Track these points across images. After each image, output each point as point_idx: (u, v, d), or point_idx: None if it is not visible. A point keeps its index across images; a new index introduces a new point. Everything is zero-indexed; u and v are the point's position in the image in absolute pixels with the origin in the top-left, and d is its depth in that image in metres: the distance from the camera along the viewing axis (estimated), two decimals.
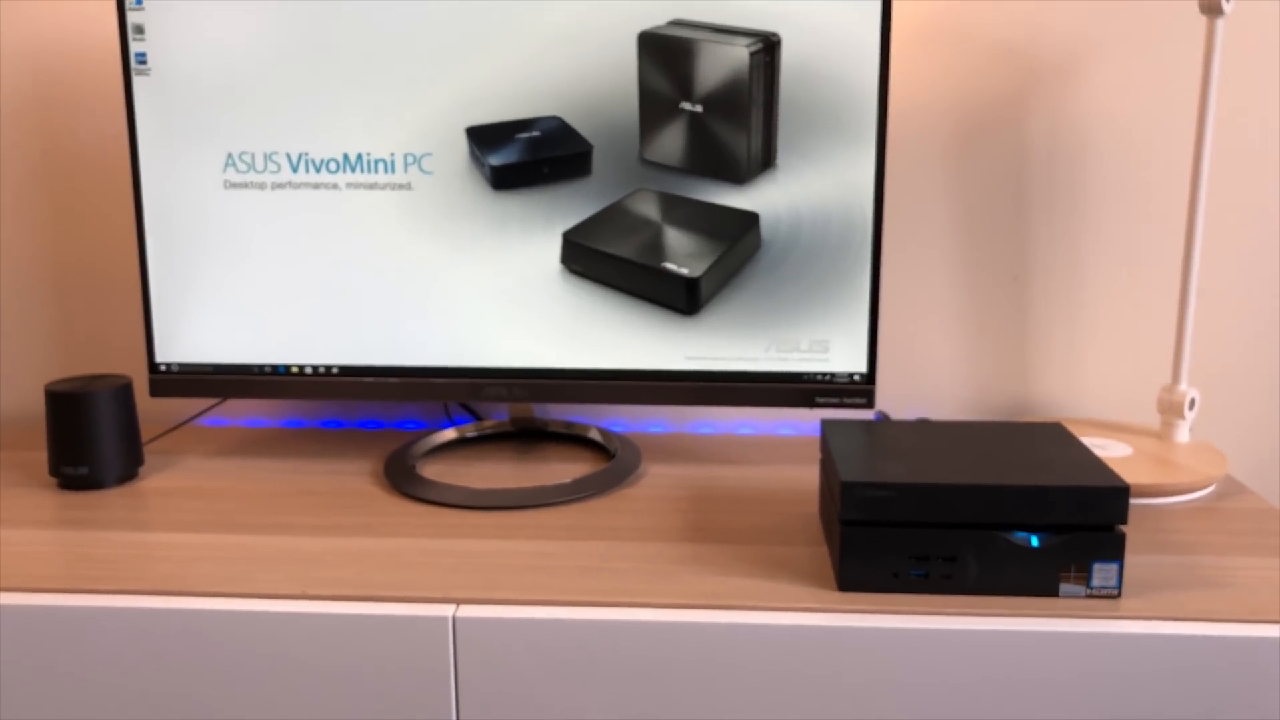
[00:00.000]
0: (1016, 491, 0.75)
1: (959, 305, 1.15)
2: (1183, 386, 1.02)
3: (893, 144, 1.11)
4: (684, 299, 0.98)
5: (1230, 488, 0.99)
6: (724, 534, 0.88)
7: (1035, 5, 1.07)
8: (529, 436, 1.13)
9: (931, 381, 1.16)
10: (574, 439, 1.13)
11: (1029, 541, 0.75)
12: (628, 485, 0.99)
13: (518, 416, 1.11)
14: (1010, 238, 1.13)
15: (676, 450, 1.10)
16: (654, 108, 0.96)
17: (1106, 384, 1.15)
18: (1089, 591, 0.76)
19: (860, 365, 0.98)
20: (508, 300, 0.99)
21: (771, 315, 0.98)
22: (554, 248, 0.98)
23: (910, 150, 1.11)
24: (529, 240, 0.98)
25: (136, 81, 0.97)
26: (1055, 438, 0.86)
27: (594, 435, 1.10)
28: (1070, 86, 1.09)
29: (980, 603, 0.75)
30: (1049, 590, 0.76)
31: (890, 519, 0.76)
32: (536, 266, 0.99)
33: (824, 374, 0.99)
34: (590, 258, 0.98)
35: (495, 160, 0.97)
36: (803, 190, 0.96)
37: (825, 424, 0.90)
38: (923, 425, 0.90)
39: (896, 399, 1.17)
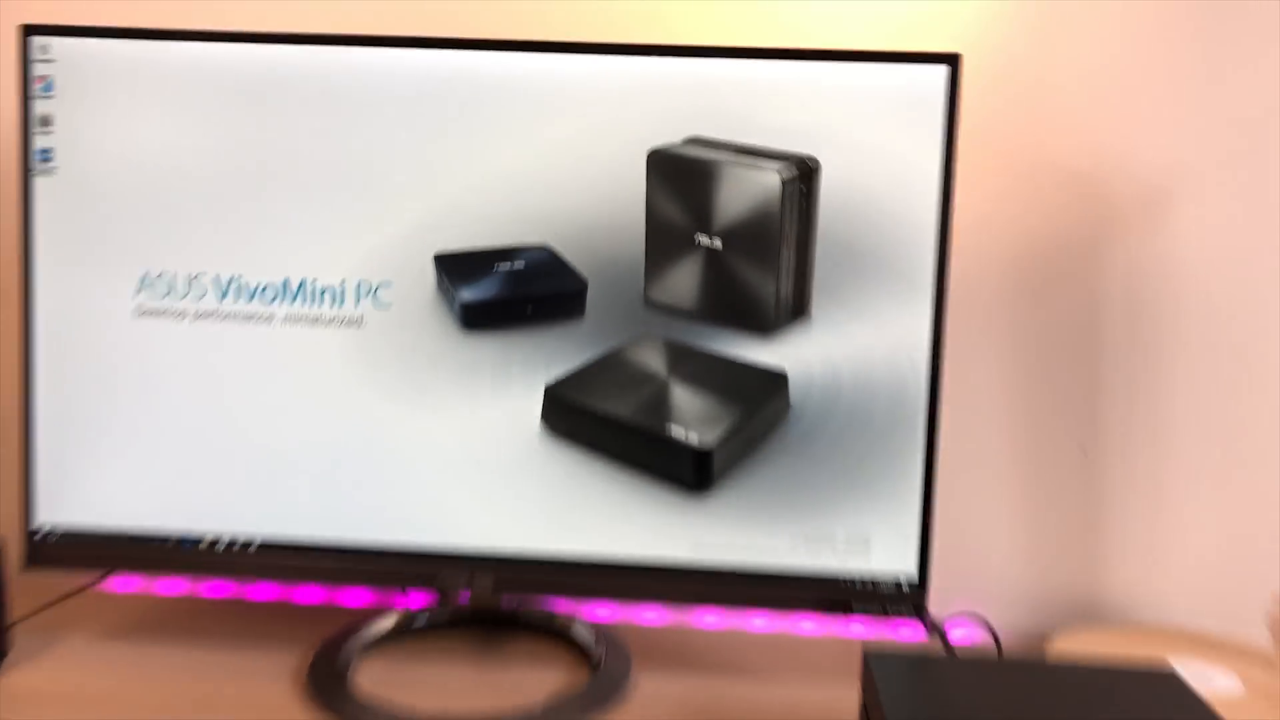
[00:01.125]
0: None
1: (1018, 482, 0.96)
2: None
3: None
4: (692, 473, 0.79)
5: None
6: None
7: (1116, 130, 0.92)
8: (495, 624, 0.93)
9: (985, 573, 0.96)
10: (549, 631, 0.92)
11: None
12: (612, 709, 0.78)
13: (481, 604, 0.90)
14: (1079, 403, 0.95)
15: (675, 651, 0.90)
16: (664, 241, 0.79)
17: (1197, 584, 0.95)
18: None
19: (908, 567, 0.79)
20: (475, 466, 0.80)
21: (800, 499, 0.79)
22: (535, 404, 0.80)
23: (964, 297, 0.94)
24: (504, 394, 0.80)
25: (37, 182, 0.80)
26: (1172, 698, 0.66)
27: (575, 631, 0.90)
28: (1153, 225, 0.93)
29: None
30: None
31: None
32: (512, 426, 0.80)
33: (864, 577, 0.79)
34: (578, 417, 0.79)
35: (467, 295, 0.80)
36: (842, 346, 0.78)
37: (870, 657, 0.70)
38: (996, 669, 0.70)
39: (942, 593, 0.96)
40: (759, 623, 0.97)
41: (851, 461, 0.79)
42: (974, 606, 0.97)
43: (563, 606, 0.96)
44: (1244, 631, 0.95)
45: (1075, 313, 0.94)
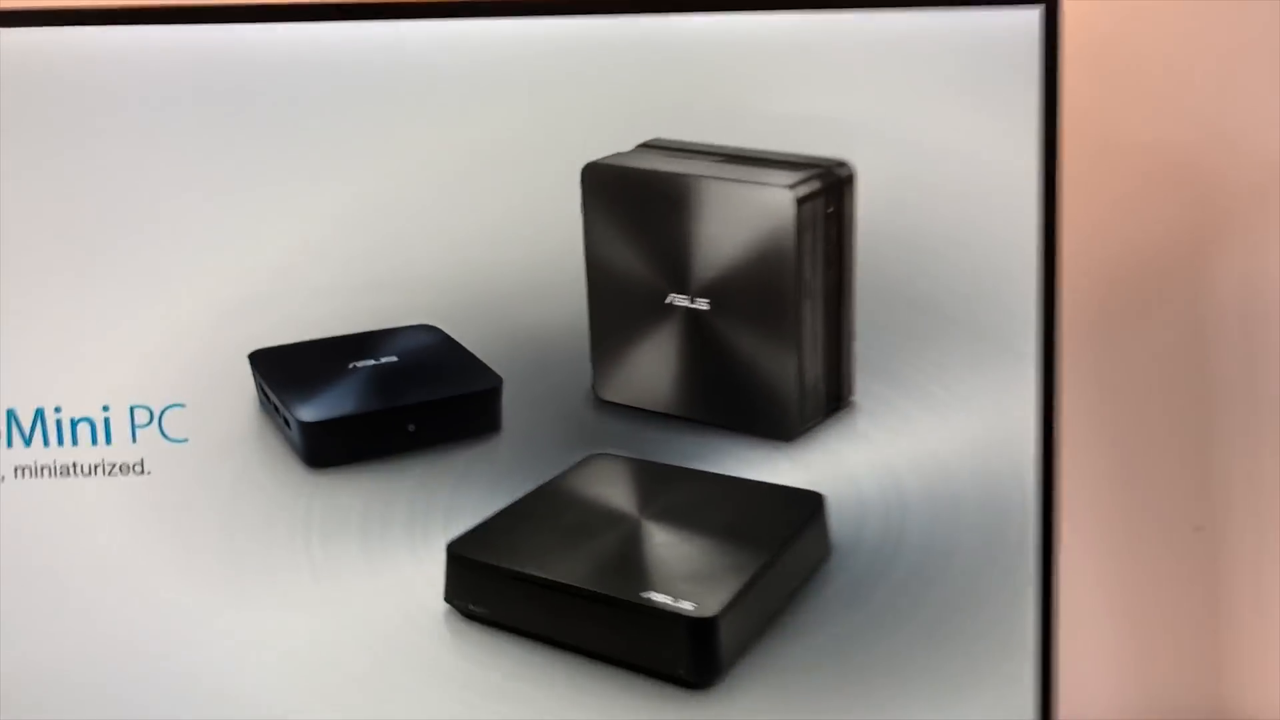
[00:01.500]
0: None
1: (1108, 568, 0.70)
2: None
3: None
4: (688, 658, 0.51)
5: None
6: None
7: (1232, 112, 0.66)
8: None
9: (1067, 689, 0.71)
10: None
11: None
12: None
13: None
14: (1188, 467, 0.69)
15: None
16: (619, 305, 0.51)
17: None
18: None
19: None
20: (345, 678, 0.51)
21: (857, 684, 0.52)
22: (433, 573, 0.51)
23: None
24: (382, 560, 0.51)
25: None
26: None
27: None
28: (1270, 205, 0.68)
29: None
30: None
31: None
32: (399, 610, 0.51)
33: None
34: (502, 589, 0.51)
35: (309, 413, 0.50)
36: (904, 449, 0.51)
37: None
38: None
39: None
40: None
41: (928, 620, 0.51)
42: None
43: None
44: None
45: (1177, 340, 0.68)
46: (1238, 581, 0.71)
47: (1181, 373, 0.69)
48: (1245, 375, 0.69)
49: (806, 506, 0.51)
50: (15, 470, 0.50)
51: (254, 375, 0.50)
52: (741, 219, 0.49)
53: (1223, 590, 0.71)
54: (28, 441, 0.50)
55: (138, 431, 0.50)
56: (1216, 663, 0.72)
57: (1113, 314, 0.68)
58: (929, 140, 0.49)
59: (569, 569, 0.51)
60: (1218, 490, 0.70)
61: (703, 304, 0.51)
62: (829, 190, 0.49)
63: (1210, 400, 0.69)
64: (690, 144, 0.50)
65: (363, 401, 0.51)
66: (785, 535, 0.51)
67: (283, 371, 0.50)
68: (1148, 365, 0.69)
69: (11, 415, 0.50)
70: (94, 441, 0.50)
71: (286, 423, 0.50)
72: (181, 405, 0.50)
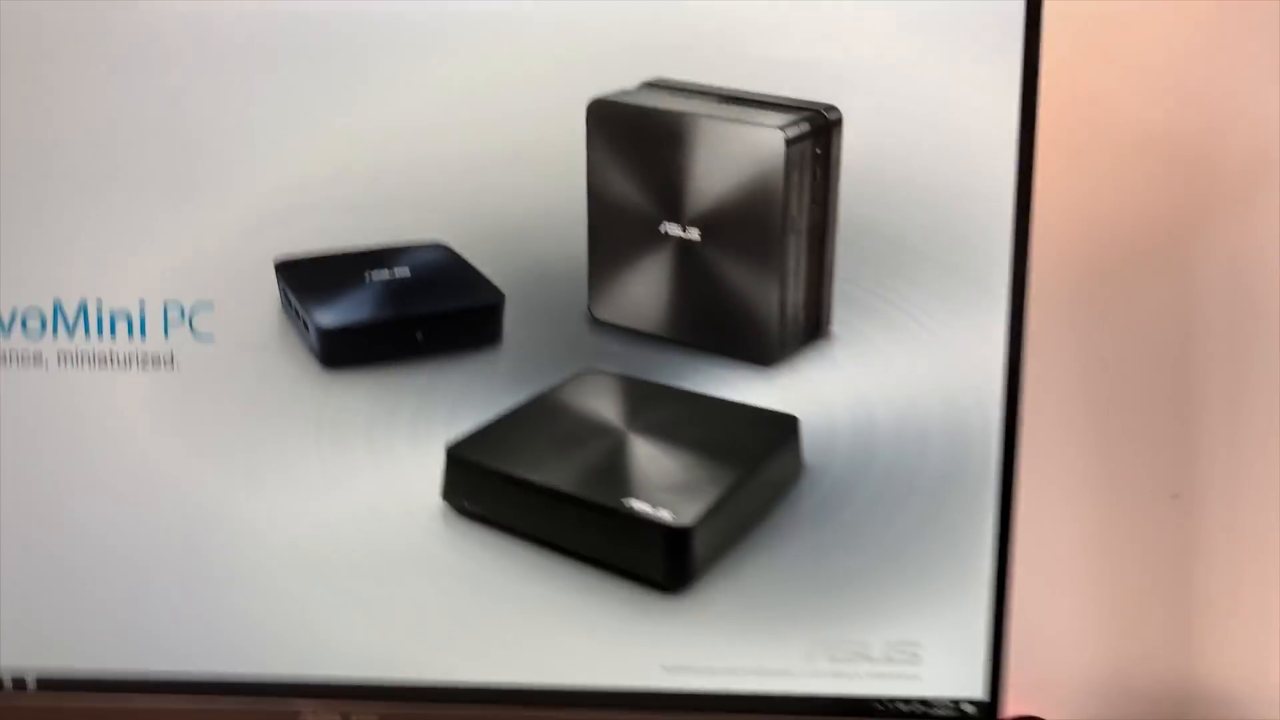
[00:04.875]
0: None
1: (1088, 540, 0.73)
2: None
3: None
4: (664, 564, 0.55)
5: None
6: None
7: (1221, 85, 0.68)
8: None
9: (1045, 655, 0.74)
10: None
11: None
12: None
13: None
14: (1167, 435, 0.72)
15: None
16: (616, 233, 0.55)
17: None
18: None
19: (973, 686, 0.56)
20: (346, 565, 0.56)
21: (820, 597, 0.55)
22: (432, 472, 0.55)
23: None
24: (387, 459, 0.55)
25: None
26: None
27: None
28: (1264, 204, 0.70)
29: None
30: None
31: None
32: (400, 506, 0.55)
33: (910, 700, 0.56)
34: (494, 490, 0.55)
35: (328, 319, 0.54)
36: (877, 378, 0.54)
37: None
38: None
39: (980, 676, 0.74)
40: None
41: (891, 540, 0.55)
42: (1037, 696, 0.74)
43: None
44: None
45: (1163, 315, 0.71)
46: (1211, 550, 0.73)
47: (1165, 341, 0.71)
48: (1227, 346, 0.71)
49: (782, 428, 0.55)
50: (59, 357, 0.55)
51: (278, 281, 0.54)
52: (734, 156, 0.53)
53: (1196, 558, 0.73)
54: (71, 331, 0.54)
55: (170, 327, 0.54)
56: (1186, 630, 0.74)
57: (1099, 279, 0.71)
58: (914, 88, 0.52)
59: (557, 474, 0.55)
60: (1196, 459, 0.73)
61: (694, 234, 0.54)
62: (817, 133, 0.52)
63: (1192, 369, 0.72)
64: (690, 84, 0.53)
65: (376, 310, 0.55)
66: (761, 454, 0.55)
67: (304, 279, 0.54)
68: (1132, 332, 0.71)
69: (57, 305, 0.54)
70: (130, 333, 0.54)
71: (306, 327, 0.55)
72: (210, 305, 0.54)
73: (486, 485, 0.55)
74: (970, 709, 0.56)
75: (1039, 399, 0.70)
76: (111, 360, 0.55)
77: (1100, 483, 0.72)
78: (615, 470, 0.55)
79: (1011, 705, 0.75)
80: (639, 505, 0.54)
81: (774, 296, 0.54)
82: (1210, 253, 0.70)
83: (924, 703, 0.56)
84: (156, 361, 0.55)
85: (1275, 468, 0.72)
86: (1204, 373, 0.71)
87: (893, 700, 0.56)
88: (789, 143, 0.52)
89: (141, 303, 0.54)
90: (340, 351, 0.55)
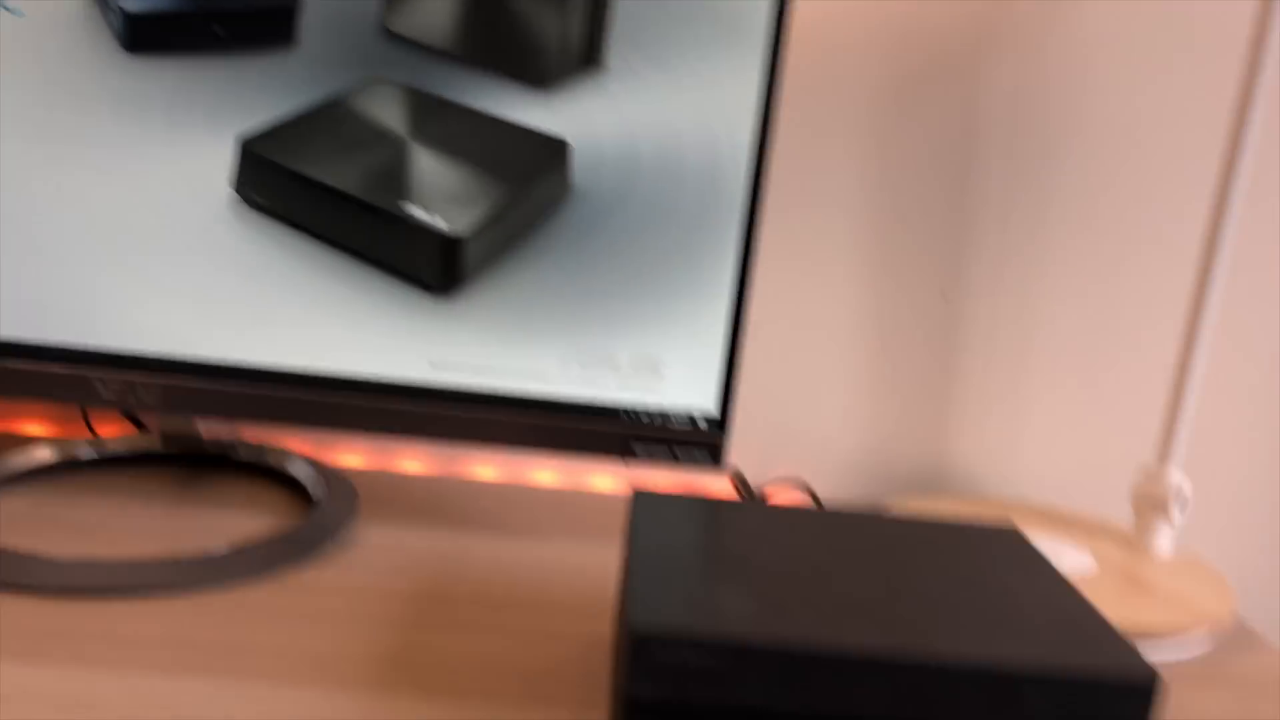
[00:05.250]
0: (953, 674, 0.39)
1: (861, 325, 0.80)
2: (1173, 474, 0.70)
3: (796, 70, 0.75)
4: (436, 268, 0.60)
5: (1237, 638, 0.66)
6: (442, 674, 0.50)
7: None
8: (190, 461, 0.73)
9: (812, 430, 0.81)
10: (264, 471, 0.73)
11: None
12: (319, 561, 0.61)
13: (173, 431, 0.71)
14: (942, 238, 0.79)
15: (424, 498, 0.72)
16: None
17: (1060, 456, 0.82)
18: None
19: (707, 401, 0.62)
20: (138, 242, 0.59)
21: (576, 308, 0.61)
22: (224, 161, 0.59)
23: (816, 86, 0.76)
24: (183, 145, 0.59)
25: None
26: (1012, 555, 0.51)
27: (292, 468, 0.71)
28: (1052, 25, 0.76)
29: None
30: None
31: (717, 702, 0.39)
32: (192, 190, 0.59)
33: (651, 410, 0.62)
34: (283, 185, 0.59)
35: (131, 3, 0.57)
36: (644, 111, 0.59)
37: (637, 497, 0.54)
38: (793, 516, 0.54)
39: (757, 452, 0.81)
40: (544, 476, 0.80)
41: (644, 263, 0.61)
42: (801, 472, 0.82)
43: (298, 446, 0.78)
44: (1108, 510, 0.83)
45: (950, 129, 0.77)
46: (971, 345, 0.80)
47: (948, 153, 0.77)
48: (1002, 164, 0.78)
49: (553, 150, 0.60)
50: None
51: None
52: None
53: (957, 352, 0.81)
54: None
55: None
56: (944, 417, 0.81)
57: (898, 84, 0.76)
58: None
59: (342, 176, 0.59)
60: (965, 264, 0.79)
61: None
62: None
63: (970, 181, 0.78)
64: None
65: (179, 1, 0.58)
66: (532, 173, 0.60)
67: None
68: (920, 141, 0.77)
69: None
70: None
71: (109, 9, 0.58)
72: None
73: (275, 180, 0.59)
74: (703, 422, 0.62)
75: (828, 188, 0.76)
76: None
77: (876, 276, 0.79)
78: (396, 176, 0.59)
79: (777, 471, 0.82)
80: (416, 211, 0.59)
81: (555, 23, 0.58)
82: (998, 79, 0.76)
83: (663, 414, 0.62)
84: None
85: (1033, 278, 0.79)
86: (980, 186, 0.78)
87: (636, 409, 0.62)
88: None
89: None
90: (142, 36, 0.58)
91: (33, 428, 0.78)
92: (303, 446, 0.79)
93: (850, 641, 0.40)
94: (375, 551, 0.63)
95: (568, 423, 0.61)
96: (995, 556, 0.50)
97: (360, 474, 0.76)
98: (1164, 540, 0.70)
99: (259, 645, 0.51)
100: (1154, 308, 0.80)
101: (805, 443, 0.81)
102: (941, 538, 0.52)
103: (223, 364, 0.61)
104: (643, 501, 0.53)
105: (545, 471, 0.80)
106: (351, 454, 0.80)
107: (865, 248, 0.78)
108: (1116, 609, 0.61)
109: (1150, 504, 0.70)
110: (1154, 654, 0.61)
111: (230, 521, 0.64)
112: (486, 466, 0.80)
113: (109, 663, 0.48)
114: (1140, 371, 0.81)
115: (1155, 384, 0.81)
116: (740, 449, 0.80)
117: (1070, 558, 0.68)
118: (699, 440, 0.62)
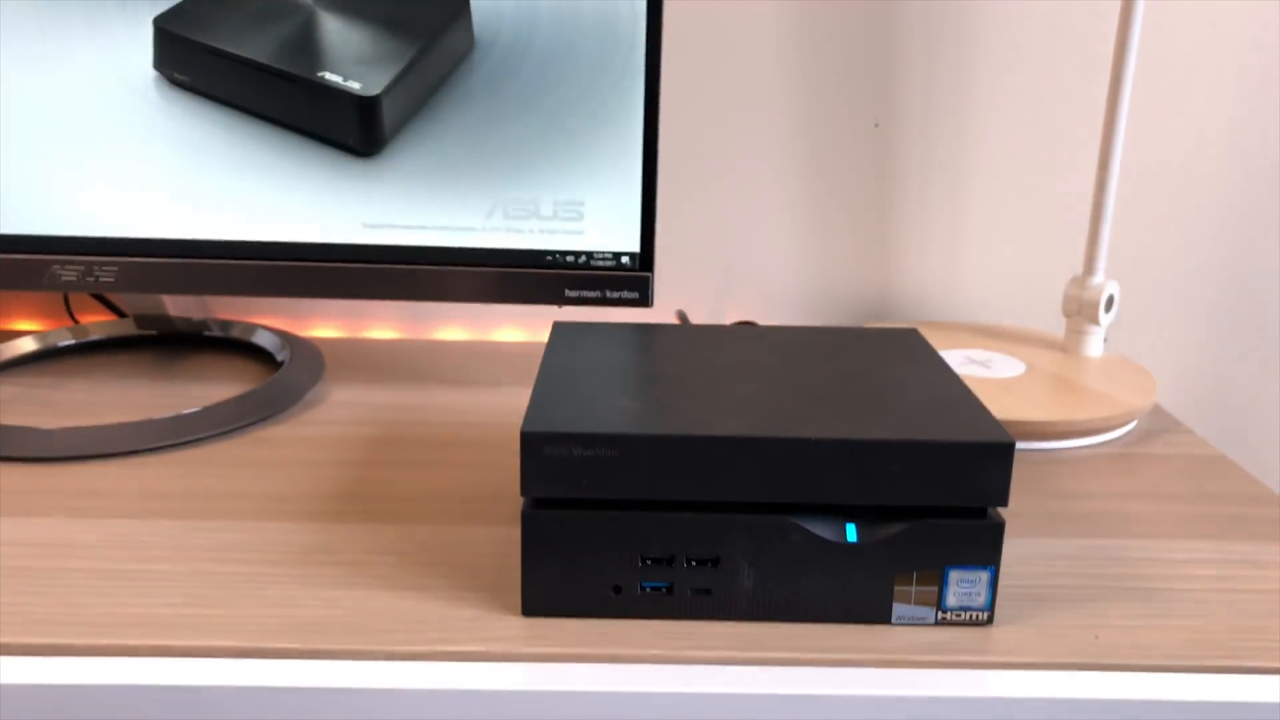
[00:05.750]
0: (819, 448, 0.43)
1: (793, 159, 0.81)
2: (1098, 278, 0.72)
3: None
4: (357, 130, 0.62)
5: (1160, 423, 0.69)
6: (390, 503, 0.55)
7: None
8: (175, 343, 0.78)
9: (759, 271, 0.83)
10: (235, 345, 0.77)
11: (841, 534, 0.44)
12: (284, 418, 0.65)
13: (145, 314, 0.75)
14: (874, 67, 0.79)
15: (390, 360, 0.76)
16: None
17: (999, 275, 0.84)
18: (941, 616, 0.45)
19: (630, 241, 0.65)
20: (67, 129, 0.63)
21: (496, 160, 0.63)
22: (145, 44, 0.62)
23: None
24: (101, 28, 0.61)
25: None
26: (904, 353, 0.54)
27: (259, 339, 0.75)
28: None
29: (756, 638, 0.44)
30: (874, 615, 0.45)
31: (605, 495, 0.43)
32: (116, 74, 0.62)
33: (577, 253, 0.65)
34: (200, 60, 0.62)
35: None
36: None
37: (556, 327, 0.57)
38: (690, 334, 0.57)
39: (704, 293, 0.84)
40: (507, 334, 0.84)
41: (555, 110, 0.63)
42: (752, 315, 0.84)
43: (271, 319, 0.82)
44: (1046, 324, 0.85)
45: None
46: (906, 173, 0.82)
47: None
48: None
49: (453, 4, 0.61)
50: None
51: None
52: None
53: (893, 181, 0.82)
54: None
55: None
56: (884, 245, 0.83)
57: None
58: None
59: (255, 47, 0.61)
60: (895, 92, 0.80)
61: None
62: None
63: (894, 6, 0.78)
64: None
65: None
66: (437, 27, 0.62)
67: None
68: None
69: None
70: None
71: None
72: None
73: (192, 57, 0.62)
74: (626, 260, 0.65)
75: (757, 24, 0.76)
76: None
77: (809, 110, 0.80)
78: (308, 44, 0.62)
79: (729, 315, 0.85)
80: (330, 77, 0.62)
81: None
82: None
83: (588, 255, 0.65)
84: None
85: (961, 102, 0.80)
86: (904, 13, 0.78)
87: (562, 253, 0.65)
88: None
89: None
90: None
91: (22, 324, 0.83)
92: (275, 321, 0.83)
93: (719, 427, 0.43)
94: (337, 408, 0.68)
95: (497, 272, 0.64)
96: (890, 355, 0.53)
97: (332, 342, 0.81)
98: (1093, 342, 0.73)
99: (222, 490, 0.56)
100: (1080, 124, 0.80)
101: (753, 284, 0.83)
102: (845, 343, 0.55)
103: (173, 240, 0.64)
104: (560, 330, 0.56)
105: (508, 329, 0.84)
106: (325, 326, 0.84)
107: (796, 85, 0.79)
108: (1049, 405, 0.64)
109: (1078, 308, 0.72)
110: (1082, 447, 0.64)
111: (204, 391, 0.69)
112: (454, 328, 0.84)
113: (85, 513, 0.53)
114: (1071, 187, 0.82)
115: (1086, 199, 0.82)
116: (690, 294, 0.83)
117: (1002, 365, 0.71)
118: (625, 279, 0.65)
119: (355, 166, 0.63)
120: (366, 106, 0.62)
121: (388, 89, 0.61)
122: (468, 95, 0.62)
